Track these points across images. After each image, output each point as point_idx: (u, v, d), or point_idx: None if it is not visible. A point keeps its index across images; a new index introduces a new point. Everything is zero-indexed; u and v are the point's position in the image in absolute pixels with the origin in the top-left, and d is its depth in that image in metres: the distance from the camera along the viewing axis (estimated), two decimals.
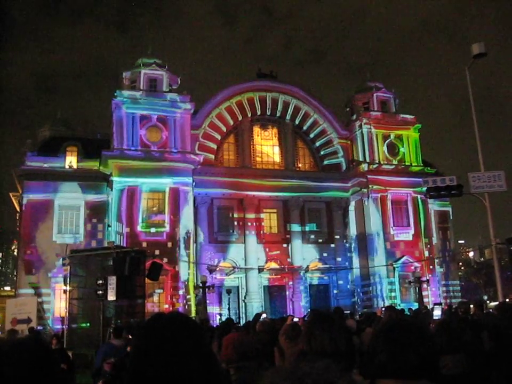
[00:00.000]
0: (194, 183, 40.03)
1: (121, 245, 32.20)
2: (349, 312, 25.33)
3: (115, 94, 39.64)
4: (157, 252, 34.34)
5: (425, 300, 39.80)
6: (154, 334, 1.65)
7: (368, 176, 43.49)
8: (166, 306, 36.31)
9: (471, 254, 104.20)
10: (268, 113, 46.02)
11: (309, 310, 39.98)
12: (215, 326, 21.46)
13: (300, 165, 46.43)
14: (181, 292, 37.35)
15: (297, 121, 46.58)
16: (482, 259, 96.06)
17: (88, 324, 21.87)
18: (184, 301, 36.98)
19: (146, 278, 23.43)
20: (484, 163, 19.76)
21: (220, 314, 37.97)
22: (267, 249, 42.82)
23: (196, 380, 1.59)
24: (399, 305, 37.78)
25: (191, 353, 1.61)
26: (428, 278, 41.83)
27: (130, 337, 12.80)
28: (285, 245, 43.42)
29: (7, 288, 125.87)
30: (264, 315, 20.77)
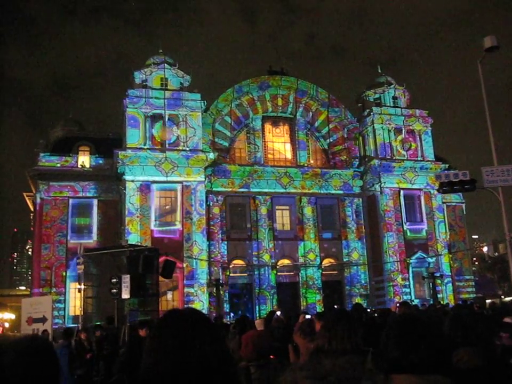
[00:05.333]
0: (206, 181, 40.14)
1: (135, 243, 32.32)
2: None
3: (126, 93, 39.84)
4: (170, 250, 34.44)
5: (439, 295, 39.66)
6: (170, 329, 1.66)
7: (380, 172, 43.33)
8: (180, 304, 36.43)
9: (485, 249, 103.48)
10: (279, 110, 45.99)
11: (324, 307, 39.99)
12: (229, 323, 21.50)
13: (311, 162, 46.33)
14: (194, 290, 37.47)
15: (308, 118, 46.50)
16: (496, 254, 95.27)
17: (103, 322, 21.97)
18: (198, 299, 37.08)
19: (159, 276, 23.51)
20: (497, 157, 19.63)
21: (235, 312, 38.03)
22: (280, 246, 42.82)
23: (212, 376, 1.60)
24: (413, 301, 37.67)
25: (207, 349, 1.62)
26: (441, 273, 41.67)
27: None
28: (297, 242, 43.37)
29: (22, 287, 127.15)
30: (278, 312, 20.81)
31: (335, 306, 37.48)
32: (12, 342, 1.87)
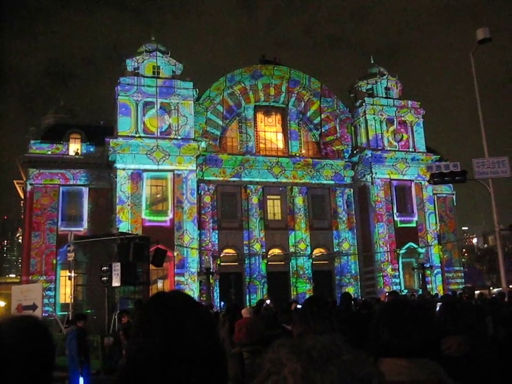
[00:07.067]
0: (197, 170, 40.08)
1: (125, 231, 32.27)
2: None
3: (118, 80, 39.62)
4: (161, 239, 34.41)
5: (429, 286, 39.94)
6: (156, 312, 1.66)
7: (372, 163, 43.41)
8: None
9: (474, 240, 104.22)
10: (272, 99, 45.90)
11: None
12: (219, 311, 21.53)
13: (303, 152, 46.31)
14: (184, 279, 37.51)
15: (300, 108, 46.45)
16: (485, 245, 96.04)
17: (93, 310, 22.00)
18: (188, 288, 37.11)
19: (150, 265, 23.51)
20: (488, 149, 19.71)
21: (226, 301, 38.11)
22: (270, 236, 42.89)
23: (200, 361, 1.60)
24: (402, 291, 37.92)
25: (195, 332, 1.62)
26: (431, 264, 41.92)
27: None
28: (288, 232, 43.46)
29: (12, 275, 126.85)
30: (268, 301, 20.87)
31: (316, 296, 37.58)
32: (5, 321, 1.88)
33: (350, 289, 40.67)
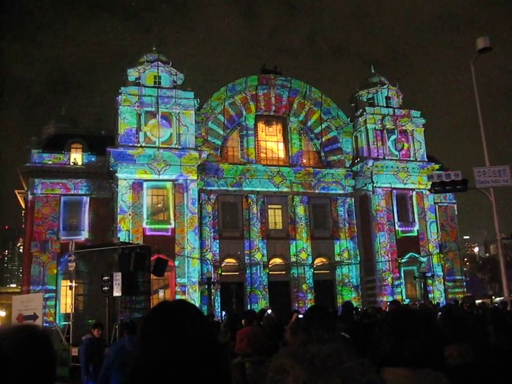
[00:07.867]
0: (198, 179, 40.10)
1: (126, 241, 32.22)
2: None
3: (119, 90, 39.74)
4: (162, 248, 34.32)
5: (430, 295, 39.82)
6: (160, 320, 1.68)
7: (373, 172, 43.44)
8: None
9: (476, 249, 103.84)
10: (272, 109, 46.00)
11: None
12: (220, 321, 21.48)
13: (304, 161, 46.36)
14: (185, 288, 37.44)
15: (301, 117, 46.54)
16: (487, 254, 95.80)
17: (93, 320, 21.89)
18: (189, 297, 37.04)
19: (151, 274, 23.43)
20: (489, 158, 19.71)
21: (227, 311, 38.03)
22: (272, 245, 42.84)
23: (202, 366, 1.61)
24: (404, 301, 37.82)
25: (197, 339, 1.63)
26: (433, 273, 41.82)
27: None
28: (289, 241, 43.42)
29: (13, 285, 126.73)
30: (269, 311, 20.85)
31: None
32: (5, 331, 1.88)
33: (354, 299, 40.57)
